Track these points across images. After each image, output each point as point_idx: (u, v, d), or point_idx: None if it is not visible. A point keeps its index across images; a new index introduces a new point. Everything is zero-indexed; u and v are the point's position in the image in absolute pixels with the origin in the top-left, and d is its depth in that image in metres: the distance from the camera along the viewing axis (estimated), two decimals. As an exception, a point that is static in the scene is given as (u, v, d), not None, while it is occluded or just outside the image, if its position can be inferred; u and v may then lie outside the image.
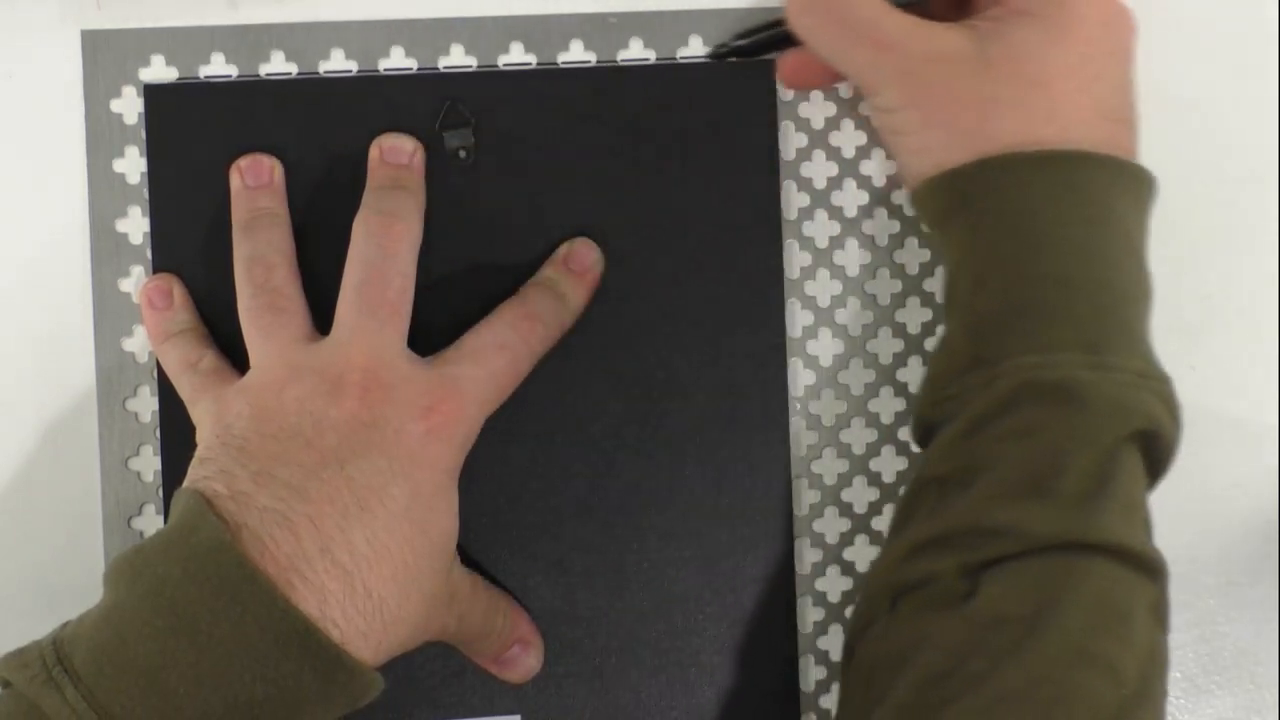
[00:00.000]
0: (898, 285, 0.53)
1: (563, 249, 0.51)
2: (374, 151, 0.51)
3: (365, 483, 0.43)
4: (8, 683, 0.41)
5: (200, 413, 0.48)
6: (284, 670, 0.41)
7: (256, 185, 0.50)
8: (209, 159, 0.51)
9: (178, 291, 0.51)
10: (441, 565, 0.46)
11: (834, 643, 0.52)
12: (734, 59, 0.52)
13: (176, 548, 0.42)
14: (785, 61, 0.51)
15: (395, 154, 0.51)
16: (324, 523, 0.43)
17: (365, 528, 0.43)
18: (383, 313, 0.47)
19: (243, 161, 0.51)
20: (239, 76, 0.52)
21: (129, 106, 0.52)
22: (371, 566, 0.43)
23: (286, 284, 0.49)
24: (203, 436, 0.46)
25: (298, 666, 0.41)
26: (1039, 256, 0.46)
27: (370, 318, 0.46)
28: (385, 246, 0.48)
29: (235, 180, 0.51)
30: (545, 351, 0.49)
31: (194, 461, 0.45)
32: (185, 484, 0.44)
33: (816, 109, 0.53)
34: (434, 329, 0.50)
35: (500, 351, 0.48)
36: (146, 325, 0.51)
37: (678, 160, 0.52)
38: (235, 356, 0.50)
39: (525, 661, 0.50)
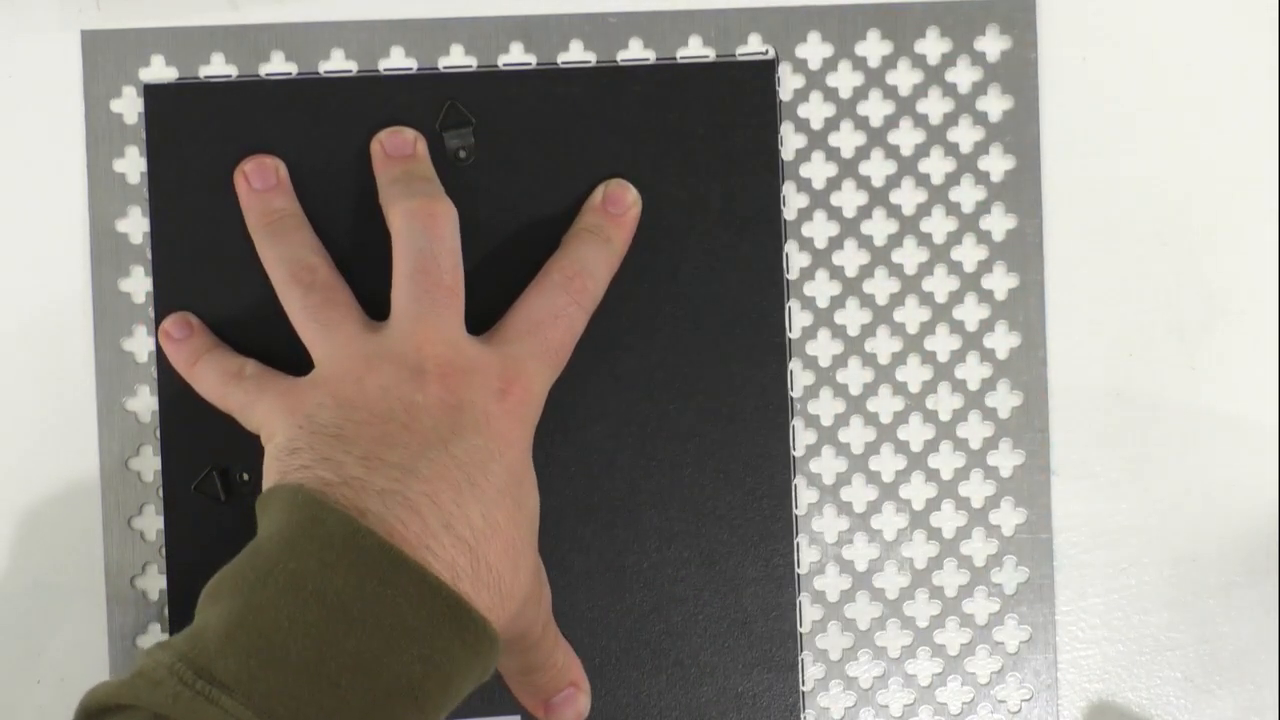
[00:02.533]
0: (896, 285, 0.53)
1: (599, 191, 0.51)
2: (376, 148, 0.51)
3: (470, 460, 0.44)
4: (120, 706, 0.40)
5: (264, 412, 0.47)
6: (440, 647, 0.41)
7: (265, 187, 0.50)
8: (209, 159, 0.51)
9: (194, 320, 0.51)
10: (535, 540, 0.46)
11: (833, 642, 0.52)
12: (734, 58, 0.52)
13: (306, 542, 0.41)
14: None
15: (399, 147, 0.51)
16: (442, 500, 0.43)
17: (478, 503, 0.43)
18: (440, 296, 0.47)
19: (247, 165, 0.51)
20: (239, 76, 0.52)
21: (129, 106, 0.52)
22: (489, 540, 0.43)
23: (333, 279, 0.49)
24: (278, 431, 0.46)
25: (450, 642, 0.41)
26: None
27: (429, 303, 0.47)
28: (430, 230, 0.48)
29: (241, 184, 0.50)
30: (597, 304, 0.49)
31: (278, 453, 0.45)
32: (278, 478, 0.44)
33: (816, 109, 0.53)
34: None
35: (556, 322, 0.48)
36: (172, 359, 0.50)
37: (678, 160, 0.52)
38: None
39: (576, 704, 0.50)
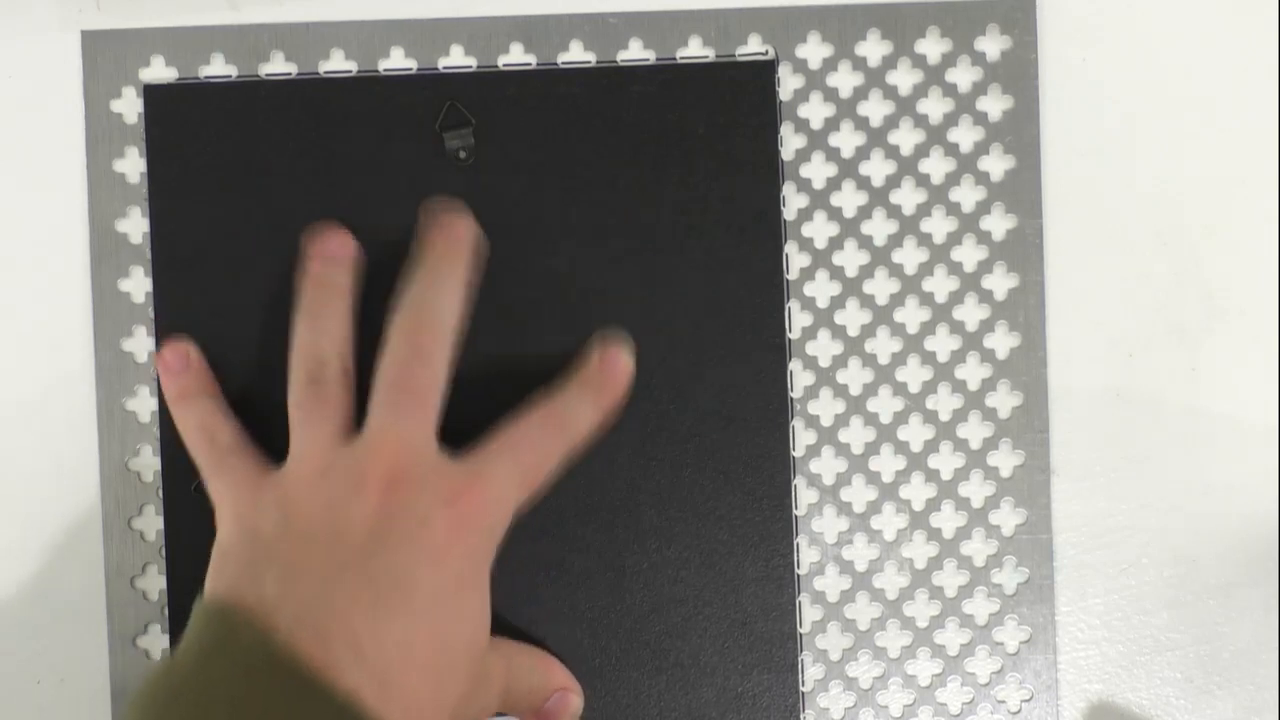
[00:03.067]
0: (896, 285, 0.53)
1: (596, 352, 0.50)
2: (435, 231, 0.50)
3: (391, 577, 0.43)
4: None
5: (220, 489, 0.47)
6: None
7: (330, 257, 0.50)
8: (209, 159, 0.51)
9: (194, 354, 0.51)
10: (474, 655, 0.46)
11: (833, 642, 0.52)
12: (734, 58, 0.52)
13: (216, 661, 0.42)
14: None
15: (452, 227, 0.50)
16: (355, 622, 0.42)
17: (394, 625, 0.43)
18: (409, 406, 0.46)
19: (325, 232, 0.50)
20: (239, 76, 0.52)
21: (129, 106, 0.52)
22: (404, 662, 0.43)
23: (337, 380, 0.48)
24: (224, 520, 0.46)
25: None
26: None
27: (396, 413, 0.46)
28: (420, 344, 0.47)
29: (310, 246, 0.50)
30: (574, 452, 0.49)
31: (216, 554, 0.45)
32: (208, 584, 0.44)
33: (816, 110, 0.53)
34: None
35: (532, 447, 0.48)
36: (163, 386, 0.50)
37: (678, 160, 0.52)
38: (234, 365, 0.50)
39: (568, 706, 0.50)
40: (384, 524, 0.44)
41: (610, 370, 0.50)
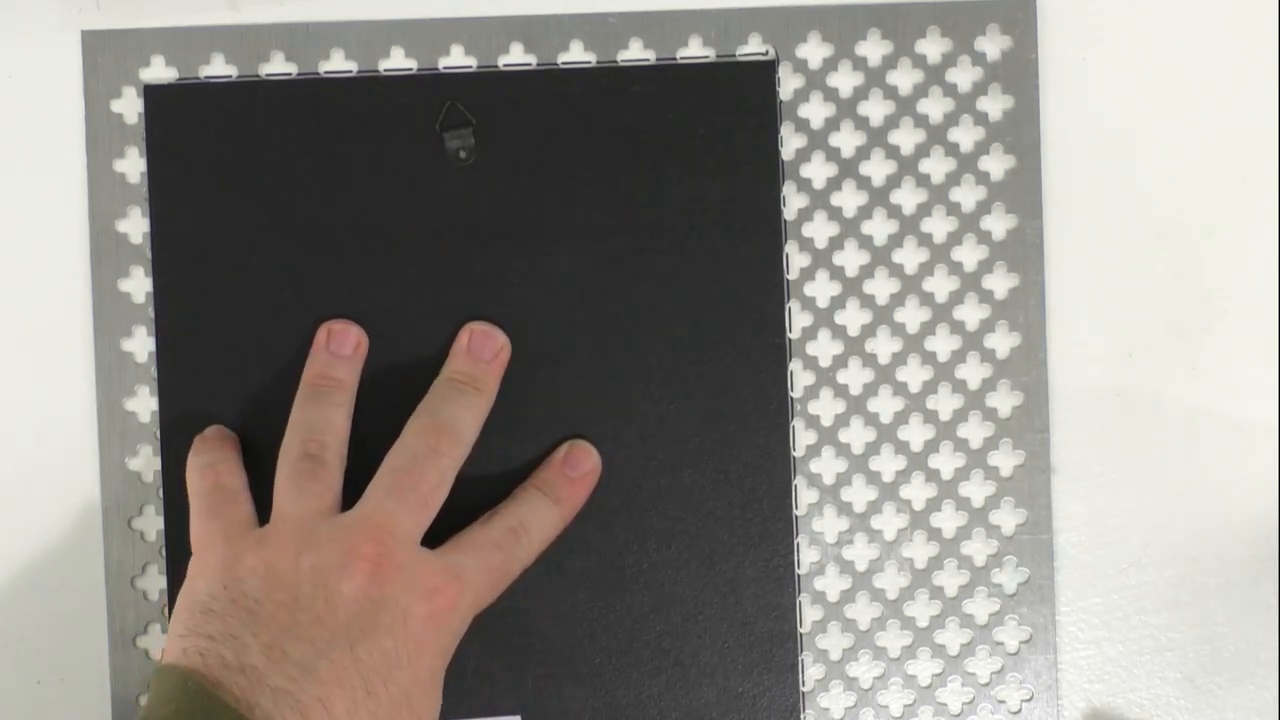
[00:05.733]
0: (896, 285, 0.53)
1: (561, 451, 0.51)
2: (461, 338, 0.51)
3: (372, 665, 0.44)
4: None
5: (209, 534, 0.47)
6: None
7: (338, 353, 0.50)
8: (209, 159, 0.51)
9: (229, 434, 0.51)
10: None
11: (833, 642, 0.52)
12: (734, 58, 0.52)
13: None
14: None
15: (482, 348, 0.51)
16: (335, 706, 0.43)
17: (370, 713, 0.44)
18: (411, 501, 0.47)
19: (335, 325, 0.51)
20: (239, 76, 0.52)
21: (129, 106, 0.52)
22: None
23: (332, 460, 0.49)
24: (206, 568, 0.46)
25: None
26: None
27: (398, 501, 0.47)
28: (435, 447, 0.48)
29: (320, 338, 0.51)
30: (540, 553, 0.50)
31: (193, 604, 0.45)
32: (185, 638, 0.44)
33: (816, 110, 0.53)
34: (433, 333, 0.51)
35: (496, 550, 0.48)
36: (193, 447, 0.50)
37: (678, 160, 0.52)
38: (233, 364, 0.50)
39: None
40: (370, 608, 0.45)
41: (574, 469, 0.51)
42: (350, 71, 0.52)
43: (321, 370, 0.50)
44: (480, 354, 0.51)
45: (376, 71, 0.52)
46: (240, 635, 0.44)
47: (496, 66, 0.52)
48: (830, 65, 0.53)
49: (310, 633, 0.44)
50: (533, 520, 0.50)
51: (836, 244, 0.53)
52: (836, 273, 0.53)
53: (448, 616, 0.46)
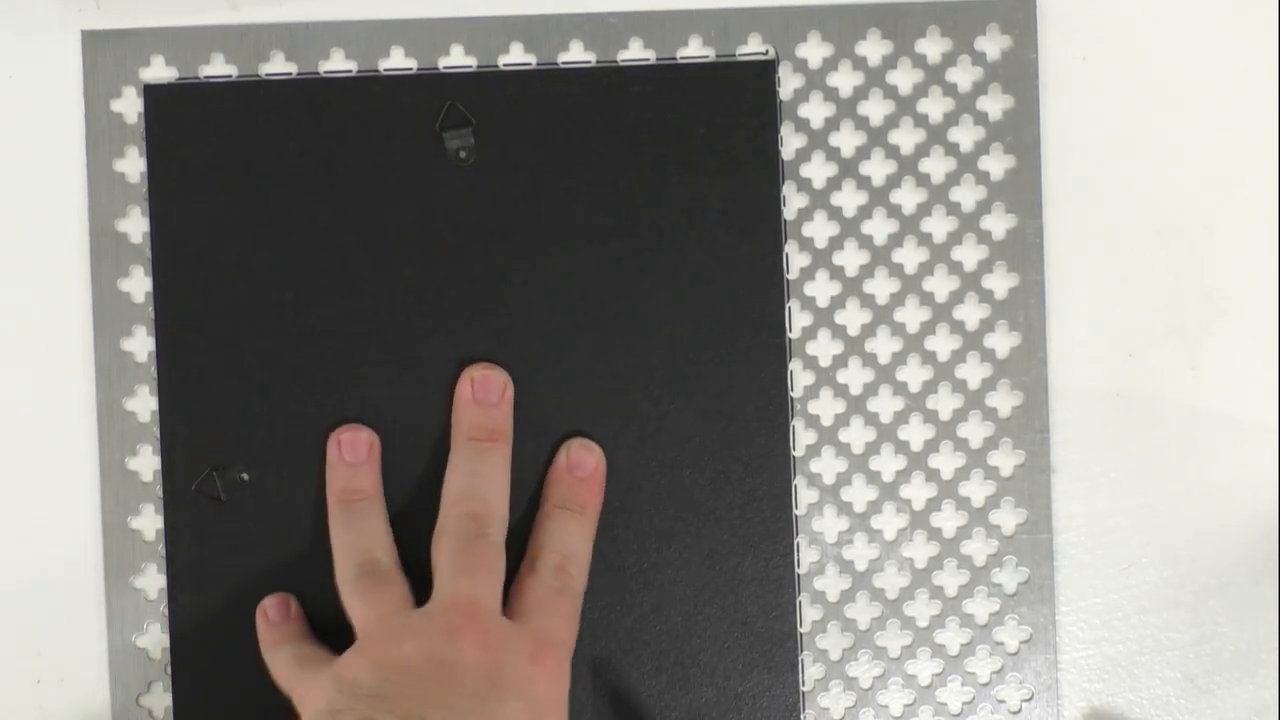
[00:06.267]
0: (896, 285, 0.53)
1: (561, 456, 0.51)
2: (464, 388, 0.51)
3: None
4: None
5: (310, 684, 0.47)
6: None
7: (355, 462, 0.51)
8: (209, 159, 0.51)
9: (294, 605, 0.51)
10: None
11: (833, 641, 0.52)
12: (734, 58, 0.52)
13: None
14: None
15: (487, 392, 0.51)
16: None
17: None
18: (484, 577, 0.48)
19: (343, 435, 0.51)
20: (239, 76, 0.52)
21: (129, 106, 0.52)
22: None
23: (389, 565, 0.49)
24: (321, 697, 0.46)
25: None
26: None
27: (472, 579, 0.47)
28: (482, 530, 0.48)
29: (333, 450, 0.51)
30: (589, 566, 0.50)
31: (318, 715, 0.45)
32: None
33: (816, 110, 0.53)
34: (433, 334, 0.51)
35: (558, 596, 0.49)
36: (260, 635, 0.50)
37: (678, 160, 0.52)
38: (234, 364, 0.50)
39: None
40: (490, 673, 0.45)
41: (580, 469, 0.51)
42: (350, 71, 0.52)
43: (344, 486, 0.50)
44: (487, 399, 0.51)
45: (376, 71, 0.52)
46: (374, 715, 0.44)
47: (496, 66, 0.52)
48: (830, 65, 0.53)
49: (442, 697, 0.44)
50: (569, 544, 0.50)
51: (836, 244, 0.53)
52: (836, 272, 0.53)
53: (559, 675, 0.47)
